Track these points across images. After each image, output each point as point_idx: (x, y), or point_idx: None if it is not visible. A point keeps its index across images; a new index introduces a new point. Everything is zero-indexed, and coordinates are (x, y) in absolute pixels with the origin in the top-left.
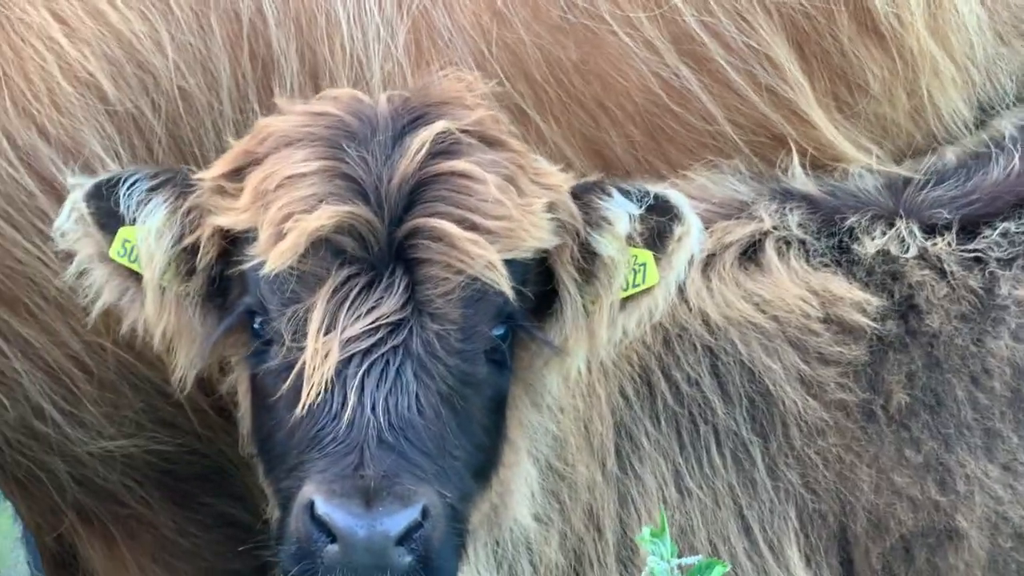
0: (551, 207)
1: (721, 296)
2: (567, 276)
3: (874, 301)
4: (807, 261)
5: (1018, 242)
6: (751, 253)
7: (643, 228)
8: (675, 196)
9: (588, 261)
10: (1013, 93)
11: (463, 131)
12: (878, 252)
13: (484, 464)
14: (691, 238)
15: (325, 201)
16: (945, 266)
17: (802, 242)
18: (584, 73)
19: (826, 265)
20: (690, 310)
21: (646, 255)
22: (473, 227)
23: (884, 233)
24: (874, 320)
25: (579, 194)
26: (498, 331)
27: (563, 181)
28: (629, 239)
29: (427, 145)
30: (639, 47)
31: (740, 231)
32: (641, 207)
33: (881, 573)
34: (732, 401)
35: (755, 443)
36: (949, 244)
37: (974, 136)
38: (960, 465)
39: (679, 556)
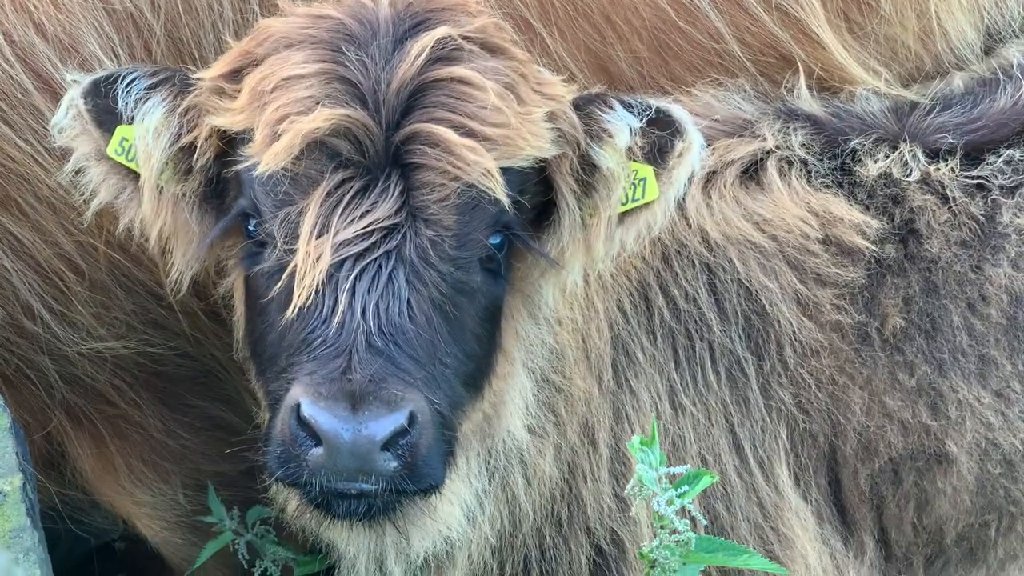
0: (551, 117)
1: (721, 214)
2: (566, 187)
3: (874, 224)
4: (808, 181)
5: (1022, 170)
6: (753, 171)
7: (644, 142)
8: (678, 111)
9: (587, 173)
10: (1021, 19)
11: (464, 37)
12: (880, 175)
13: (476, 373)
14: (692, 154)
15: (322, 103)
16: (947, 191)
17: (804, 162)
18: None
19: (827, 186)
20: (689, 227)
21: (646, 170)
22: (471, 133)
23: (887, 156)
24: (873, 243)
25: (581, 105)
26: (494, 240)
27: (565, 92)
28: (630, 152)
29: (427, 50)
30: None
31: (743, 149)
32: (643, 120)
33: (869, 494)
34: (728, 319)
35: (750, 361)
36: (952, 169)
37: (982, 63)
38: (953, 391)
39: (668, 466)
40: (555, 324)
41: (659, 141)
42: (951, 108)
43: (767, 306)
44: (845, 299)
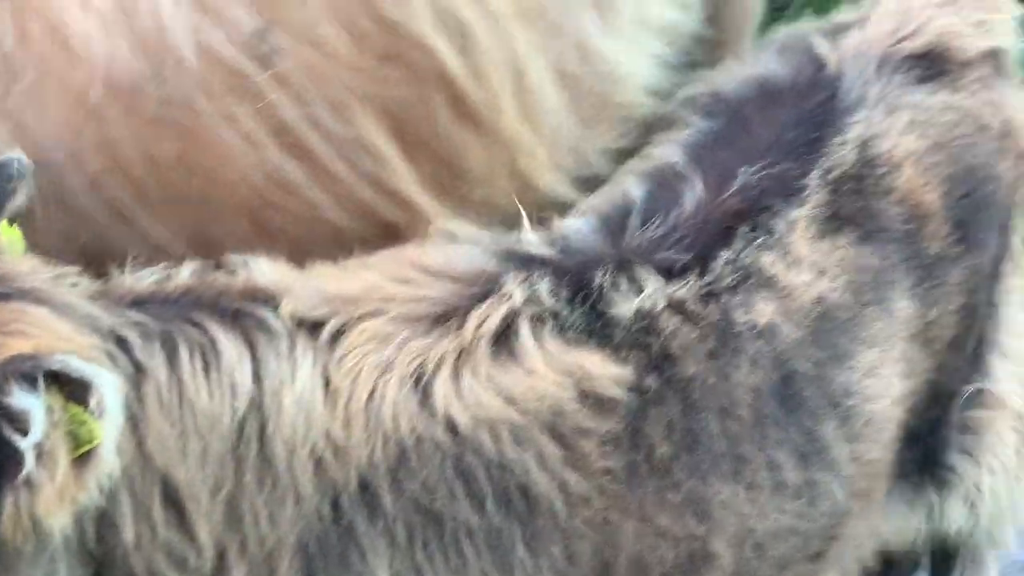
0: None
1: (472, 396)
2: None
3: (629, 371)
4: (562, 337)
5: (738, 266)
6: (505, 339)
7: (68, 391)
8: (76, 367)
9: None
10: (604, 169)
11: None
12: (629, 309)
13: None
14: (108, 402)
15: None
16: (688, 308)
17: (555, 315)
18: (186, 168)
19: (582, 338)
20: (434, 416)
21: (85, 417)
22: None
23: (630, 286)
24: (631, 389)
25: None
26: None
27: None
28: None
29: None
30: (239, 141)
31: (493, 317)
32: (47, 395)
33: None
34: (482, 497)
35: (513, 528)
36: (686, 285)
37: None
38: (715, 494)
39: None
40: None
41: (78, 392)
42: (652, 220)
43: (526, 475)
44: (610, 444)
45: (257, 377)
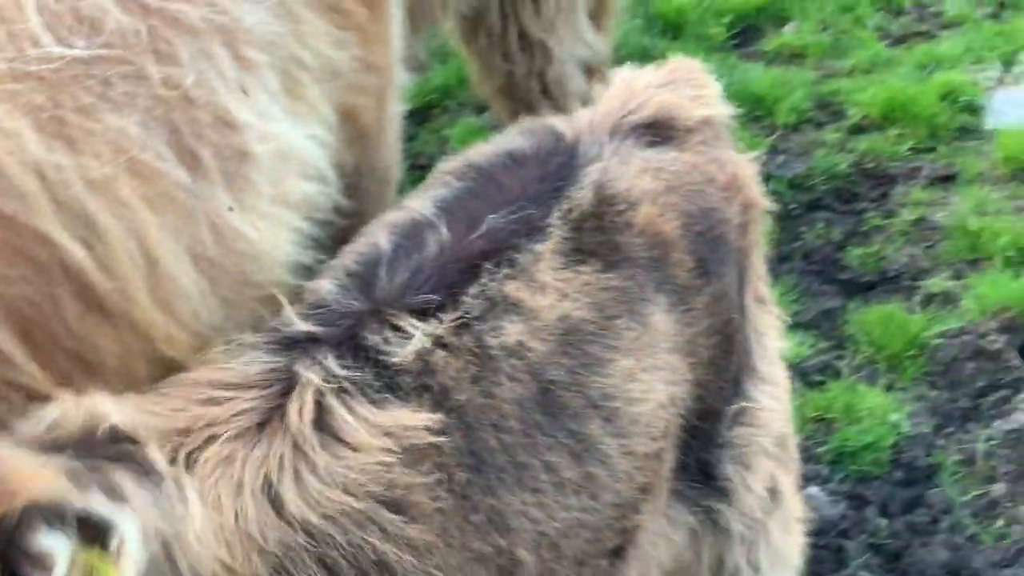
0: None
1: (316, 495)
2: None
3: (433, 414)
4: (369, 400)
5: (485, 296)
6: (325, 422)
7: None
8: (99, 509)
9: None
10: None
11: None
12: (407, 356)
13: None
14: (129, 546)
15: None
16: (447, 341)
17: (354, 382)
18: None
19: (384, 395)
20: (292, 526)
21: (101, 559)
22: None
23: (397, 335)
24: (434, 428)
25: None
26: None
27: None
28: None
29: None
30: None
31: (306, 405)
32: (74, 536)
33: None
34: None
35: None
36: (442, 321)
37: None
38: (507, 505)
39: None
40: None
41: (98, 533)
42: (397, 268)
43: (377, 551)
44: (431, 488)
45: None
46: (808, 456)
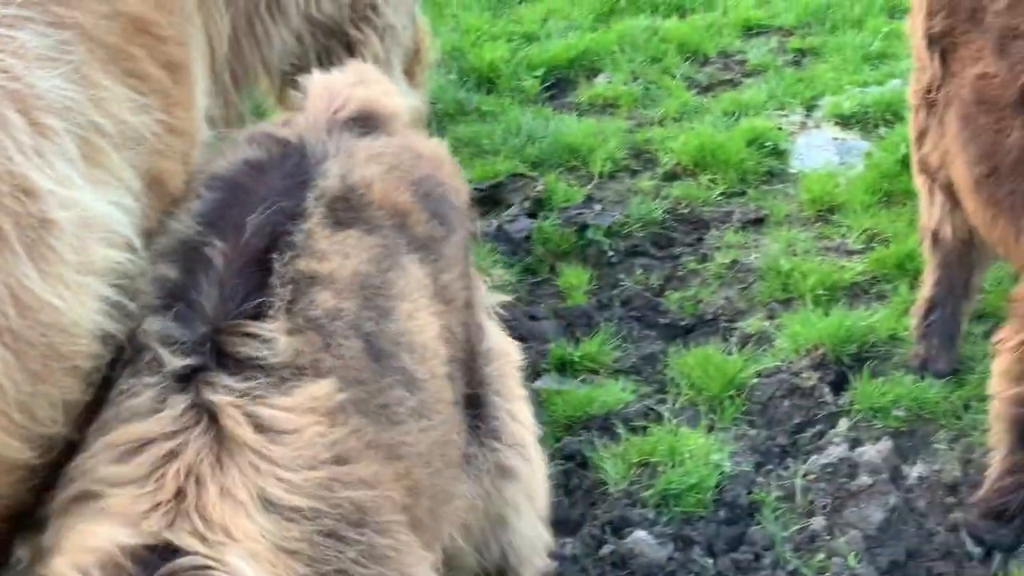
0: None
1: (293, 483)
2: None
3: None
4: (279, 394)
5: (285, 283)
6: (262, 428)
7: None
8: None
9: None
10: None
11: None
12: (278, 353)
13: None
14: None
15: None
16: (291, 327)
17: (257, 387)
18: None
19: (284, 385)
20: (293, 519)
21: None
22: None
23: (255, 340)
24: (336, 389)
25: None
26: None
27: None
28: None
29: None
30: None
31: (239, 423)
32: None
33: None
34: None
35: None
36: (275, 314)
37: None
38: (391, 438)
39: None
40: None
41: None
42: (204, 290)
43: (350, 499)
44: (353, 434)
45: None
46: (633, 501)
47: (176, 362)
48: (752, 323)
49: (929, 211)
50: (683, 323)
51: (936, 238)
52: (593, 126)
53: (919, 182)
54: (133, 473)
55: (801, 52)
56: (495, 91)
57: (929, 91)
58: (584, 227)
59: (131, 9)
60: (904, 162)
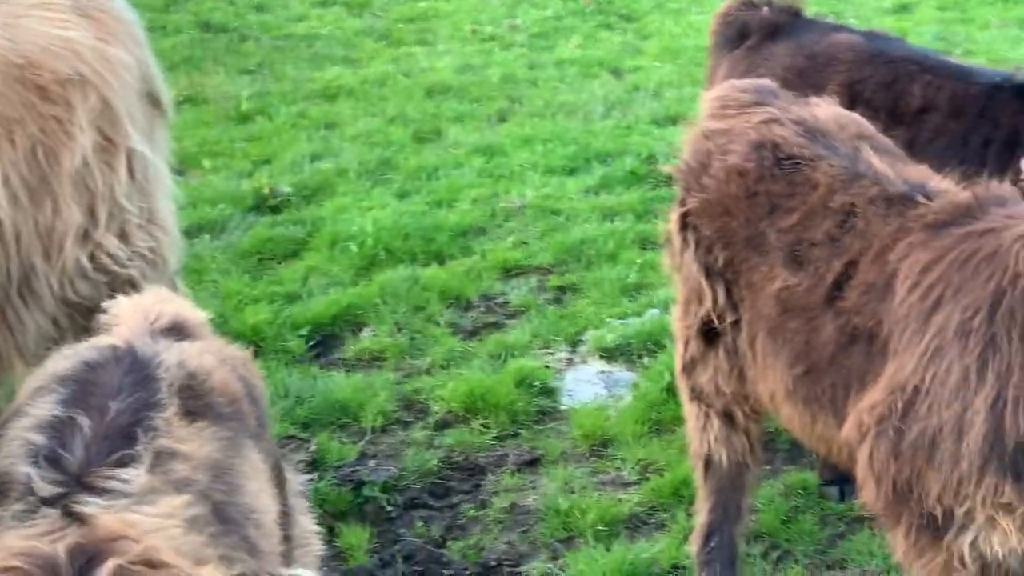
0: None
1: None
2: None
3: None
4: (136, 504)
5: (149, 451)
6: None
7: None
8: None
9: None
10: None
11: (132, 562)
12: (135, 484)
13: None
14: None
15: None
16: (151, 475)
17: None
18: None
19: (145, 499)
20: None
21: None
22: None
23: (115, 481)
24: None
25: None
26: None
27: None
28: None
29: None
30: None
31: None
32: None
33: None
34: None
35: None
36: (139, 464)
37: None
38: None
39: None
40: None
41: None
42: (72, 448)
43: None
44: (209, 542)
45: None
46: None
47: (46, 488)
48: (536, 566)
49: (701, 437)
50: (467, 572)
51: (709, 464)
52: (361, 381)
53: (690, 410)
54: None
55: (561, 289)
56: (261, 354)
57: (708, 322)
58: (360, 484)
59: None
60: (669, 390)
